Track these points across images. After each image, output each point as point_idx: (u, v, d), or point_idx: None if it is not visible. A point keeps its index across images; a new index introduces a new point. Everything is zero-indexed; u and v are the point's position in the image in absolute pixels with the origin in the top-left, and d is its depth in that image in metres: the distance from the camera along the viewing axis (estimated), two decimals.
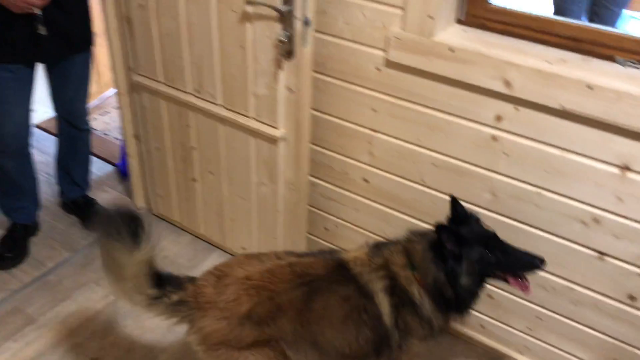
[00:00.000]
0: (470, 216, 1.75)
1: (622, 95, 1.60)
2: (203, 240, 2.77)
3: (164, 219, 2.88)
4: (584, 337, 2.04)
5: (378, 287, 1.74)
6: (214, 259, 2.67)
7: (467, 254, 1.66)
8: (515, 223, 1.99)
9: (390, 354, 1.81)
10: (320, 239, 2.57)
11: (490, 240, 1.70)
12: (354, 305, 1.73)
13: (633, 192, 1.72)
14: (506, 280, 1.72)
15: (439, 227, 1.65)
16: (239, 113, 2.23)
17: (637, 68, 1.68)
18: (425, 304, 1.74)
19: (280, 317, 1.68)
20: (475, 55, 1.77)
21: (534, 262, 1.68)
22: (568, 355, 2.12)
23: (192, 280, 1.76)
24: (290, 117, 2.11)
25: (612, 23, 3.22)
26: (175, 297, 1.70)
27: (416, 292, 1.73)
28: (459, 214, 1.75)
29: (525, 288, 1.71)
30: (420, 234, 1.79)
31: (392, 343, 1.78)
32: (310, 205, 2.48)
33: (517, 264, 1.70)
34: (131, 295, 1.67)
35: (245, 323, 1.66)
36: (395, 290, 1.74)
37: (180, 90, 2.36)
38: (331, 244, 2.53)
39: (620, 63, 1.71)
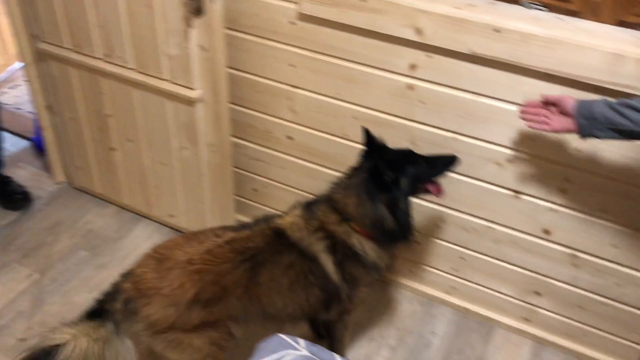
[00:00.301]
0: (383, 143, 1.79)
1: (527, 37, 1.64)
2: (128, 210, 2.70)
3: (86, 192, 2.78)
4: (505, 273, 2.14)
5: (319, 249, 1.75)
6: (141, 229, 2.62)
7: (402, 176, 1.70)
8: None
9: (340, 305, 1.84)
10: (250, 200, 2.55)
11: (411, 156, 1.76)
12: (299, 271, 1.74)
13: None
14: (427, 190, 1.81)
15: (373, 162, 1.69)
16: (152, 76, 2.15)
17: (541, 9, 1.73)
18: (368, 250, 1.76)
19: (228, 297, 1.67)
20: (386, 4, 1.77)
21: (451, 159, 1.78)
22: (492, 292, 2.22)
23: (126, 275, 1.70)
24: (206, 76, 2.06)
25: None
26: (117, 306, 1.65)
27: (356, 242, 1.75)
28: (373, 143, 1.77)
29: (441, 191, 1.82)
30: (344, 183, 1.80)
31: (342, 296, 1.81)
32: (236, 167, 2.45)
33: (439, 169, 1.78)
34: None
35: (193, 307, 1.64)
36: (337, 248, 1.75)
37: (89, 55, 2.25)
38: (261, 204, 2.53)
39: (524, 6, 1.75)
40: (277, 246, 1.74)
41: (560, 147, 1.79)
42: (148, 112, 2.26)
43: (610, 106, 1.44)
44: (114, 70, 2.21)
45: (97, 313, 1.65)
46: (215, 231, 1.77)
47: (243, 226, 1.83)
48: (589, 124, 1.48)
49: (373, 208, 1.71)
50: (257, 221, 1.84)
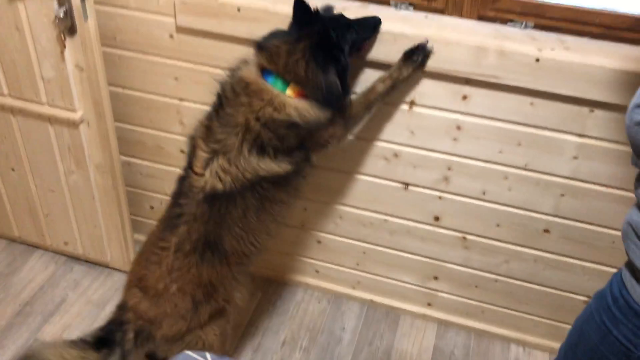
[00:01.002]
0: (317, 10, 1.68)
1: (398, 37, 1.73)
2: (20, 242, 2.56)
3: None
4: (404, 262, 2.23)
5: (252, 164, 1.65)
6: (35, 260, 2.50)
7: (346, 43, 1.64)
8: (327, 170, 2.09)
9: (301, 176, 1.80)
10: (147, 218, 2.50)
11: (347, 21, 1.68)
12: (251, 204, 1.71)
13: (420, 124, 1.88)
14: (359, 50, 1.75)
15: (320, 27, 1.60)
16: (30, 101, 2.06)
17: (408, 9, 1.82)
18: (305, 112, 1.63)
19: (218, 284, 1.76)
20: (261, 13, 1.79)
21: (375, 20, 1.72)
22: (394, 281, 2.31)
23: (121, 308, 1.76)
24: (87, 97, 2.00)
25: None
26: (128, 336, 1.71)
27: (292, 110, 1.62)
28: (306, 11, 1.63)
29: (369, 48, 1.77)
30: (280, 47, 1.63)
31: (304, 172, 1.79)
32: (130, 186, 2.40)
33: (369, 31, 1.72)
34: None
35: (198, 309, 1.75)
36: (263, 140, 1.64)
37: None
38: None
39: (394, 6, 1.83)
40: (218, 212, 1.68)
41: (440, 138, 1.89)
42: (29, 138, 2.16)
43: None
44: None
45: (102, 343, 1.69)
46: (158, 243, 1.74)
47: (177, 218, 1.71)
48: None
49: (325, 75, 1.61)
50: (181, 204, 1.71)
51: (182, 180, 1.73)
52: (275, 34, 1.69)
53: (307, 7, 1.62)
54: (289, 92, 1.63)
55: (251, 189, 1.68)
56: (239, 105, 1.64)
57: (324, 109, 1.65)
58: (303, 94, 1.63)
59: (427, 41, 1.71)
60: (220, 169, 1.65)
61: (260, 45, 1.66)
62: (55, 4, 1.80)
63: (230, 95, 1.66)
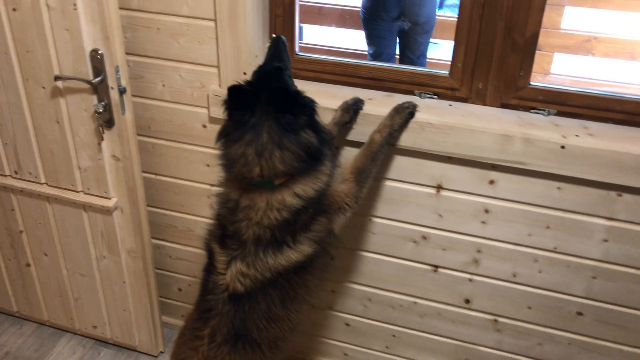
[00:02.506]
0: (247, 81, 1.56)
1: (424, 125, 1.78)
2: (49, 325, 2.58)
3: (0, 312, 2.64)
4: (435, 345, 2.20)
5: (266, 264, 1.62)
6: (63, 344, 2.50)
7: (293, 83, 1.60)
8: (355, 251, 2.10)
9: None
10: (176, 300, 2.51)
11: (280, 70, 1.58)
12: (278, 296, 1.68)
13: (448, 207, 1.91)
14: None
15: (271, 92, 1.47)
16: (66, 189, 2.13)
17: (433, 98, 1.88)
18: (303, 192, 1.56)
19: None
20: None
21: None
22: None
23: None
24: (121, 184, 2.06)
25: (421, 52, 3.57)
26: None
27: (291, 199, 1.55)
28: (245, 87, 1.50)
29: None
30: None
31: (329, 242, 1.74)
32: (159, 269, 2.42)
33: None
34: None
35: None
36: (268, 235, 1.59)
37: None
38: (188, 303, 2.49)
39: (418, 95, 1.90)
40: (243, 310, 1.67)
41: (468, 221, 1.91)
42: (63, 224, 2.22)
43: None
44: (24, 186, 2.17)
45: None
46: (193, 332, 1.74)
47: (207, 312, 1.72)
48: None
49: (297, 137, 1.49)
50: (209, 299, 1.70)
51: (208, 273, 1.72)
52: (228, 132, 1.54)
53: (241, 87, 1.49)
54: (277, 181, 1.54)
55: (272, 284, 1.65)
56: (239, 221, 1.60)
57: (317, 170, 1.57)
58: (291, 176, 1.55)
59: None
60: (239, 273, 1.64)
61: (227, 165, 1.57)
62: (94, 99, 1.90)
63: (228, 214, 1.63)
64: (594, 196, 1.75)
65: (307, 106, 1.51)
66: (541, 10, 1.67)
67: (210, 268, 1.71)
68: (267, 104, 1.48)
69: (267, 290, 1.66)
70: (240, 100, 1.49)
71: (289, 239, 1.61)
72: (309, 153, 1.52)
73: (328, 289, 2.21)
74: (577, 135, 1.70)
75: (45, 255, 2.33)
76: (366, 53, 3.64)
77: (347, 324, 2.28)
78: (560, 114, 1.79)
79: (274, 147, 1.48)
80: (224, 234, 1.66)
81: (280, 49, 1.66)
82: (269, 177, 1.52)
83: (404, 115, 1.77)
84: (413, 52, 3.56)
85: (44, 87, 1.93)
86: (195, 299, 1.83)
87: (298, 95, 1.52)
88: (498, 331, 2.08)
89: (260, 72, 1.60)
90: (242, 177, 1.54)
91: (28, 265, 2.39)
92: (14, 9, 1.82)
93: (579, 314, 1.95)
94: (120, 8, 1.87)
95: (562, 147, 1.68)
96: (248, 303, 1.66)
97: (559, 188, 1.77)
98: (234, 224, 1.61)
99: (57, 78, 1.87)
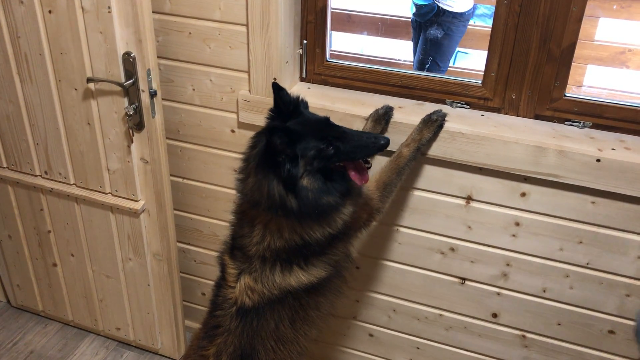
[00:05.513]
0: (298, 102, 1.53)
1: (455, 135, 1.75)
2: (73, 326, 2.59)
3: (26, 310, 2.66)
4: (460, 359, 2.16)
5: (278, 280, 1.60)
6: (86, 345, 2.51)
7: (303, 152, 1.44)
8: (381, 260, 2.08)
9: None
10: (199, 304, 2.51)
11: (324, 128, 1.50)
12: (285, 305, 1.65)
13: (477, 219, 1.88)
14: (345, 173, 1.52)
15: (269, 129, 1.44)
16: (94, 190, 2.14)
17: (465, 107, 1.86)
18: (305, 234, 1.53)
19: None
20: (320, 111, 1.85)
21: (377, 142, 1.48)
22: None
23: None
24: (149, 187, 2.07)
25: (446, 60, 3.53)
26: None
27: (290, 234, 1.54)
28: (284, 102, 1.49)
29: (364, 179, 1.52)
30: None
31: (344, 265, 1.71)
32: (184, 273, 2.43)
33: (360, 149, 1.49)
34: None
35: None
36: (281, 258, 1.58)
37: (28, 173, 2.23)
38: None
39: (450, 105, 1.87)
40: (250, 326, 1.65)
41: (498, 234, 1.87)
42: (91, 225, 2.23)
43: None
44: (53, 186, 2.19)
45: None
46: (199, 351, 1.72)
47: (214, 329, 1.71)
48: None
49: (267, 184, 1.46)
50: (217, 315, 1.70)
51: (218, 287, 1.72)
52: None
53: (283, 97, 1.49)
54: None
55: (281, 303, 1.63)
56: (246, 236, 1.61)
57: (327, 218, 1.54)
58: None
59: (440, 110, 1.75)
60: (248, 288, 1.62)
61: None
62: (125, 102, 1.91)
63: (236, 223, 1.67)
64: (630, 212, 1.70)
65: (284, 165, 1.45)
66: (579, 20, 1.63)
67: (221, 282, 1.71)
68: (268, 135, 1.45)
69: (276, 308, 1.64)
70: (276, 101, 1.52)
71: (301, 262, 1.59)
72: (277, 203, 1.47)
73: (352, 298, 2.19)
74: (613, 149, 1.66)
75: (72, 255, 2.35)
76: (395, 61, 3.62)
77: (371, 335, 2.25)
78: (595, 126, 1.75)
79: (252, 172, 1.53)
80: (234, 245, 1.66)
81: (364, 141, 1.51)
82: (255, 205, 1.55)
83: (433, 128, 1.75)
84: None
85: (76, 89, 1.94)
86: (204, 317, 1.81)
87: (292, 158, 1.45)
88: (526, 347, 2.03)
89: (319, 117, 1.56)
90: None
91: (55, 265, 2.41)
92: (50, 11, 1.84)
93: (611, 332, 1.89)
94: (153, 12, 1.88)
95: (598, 160, 1.64)
96: (256, 319, 1.64)
97: (593, 202, 1.73)
98: (242, 238, 1.62)
99: (89, 80, 1.89)
